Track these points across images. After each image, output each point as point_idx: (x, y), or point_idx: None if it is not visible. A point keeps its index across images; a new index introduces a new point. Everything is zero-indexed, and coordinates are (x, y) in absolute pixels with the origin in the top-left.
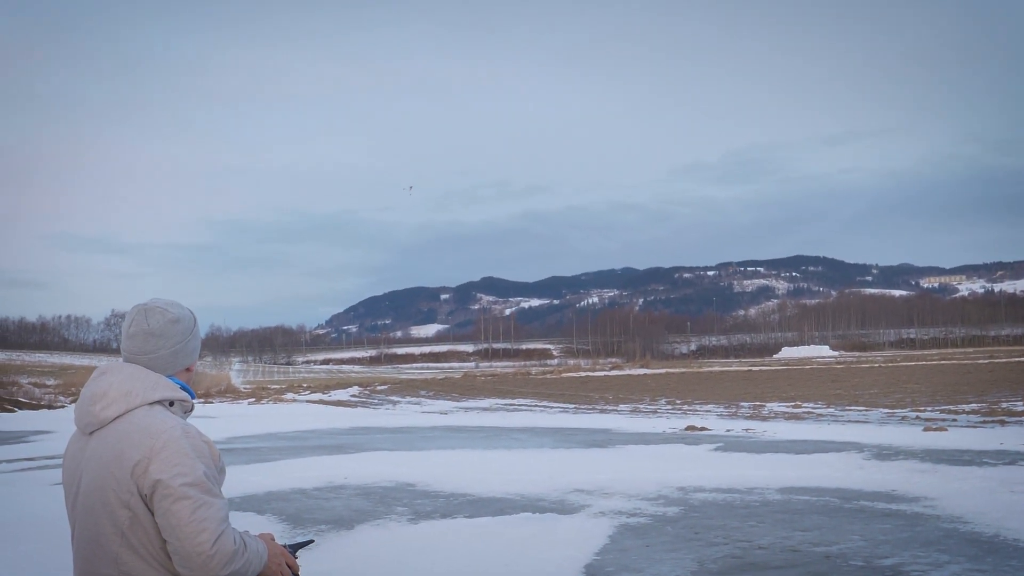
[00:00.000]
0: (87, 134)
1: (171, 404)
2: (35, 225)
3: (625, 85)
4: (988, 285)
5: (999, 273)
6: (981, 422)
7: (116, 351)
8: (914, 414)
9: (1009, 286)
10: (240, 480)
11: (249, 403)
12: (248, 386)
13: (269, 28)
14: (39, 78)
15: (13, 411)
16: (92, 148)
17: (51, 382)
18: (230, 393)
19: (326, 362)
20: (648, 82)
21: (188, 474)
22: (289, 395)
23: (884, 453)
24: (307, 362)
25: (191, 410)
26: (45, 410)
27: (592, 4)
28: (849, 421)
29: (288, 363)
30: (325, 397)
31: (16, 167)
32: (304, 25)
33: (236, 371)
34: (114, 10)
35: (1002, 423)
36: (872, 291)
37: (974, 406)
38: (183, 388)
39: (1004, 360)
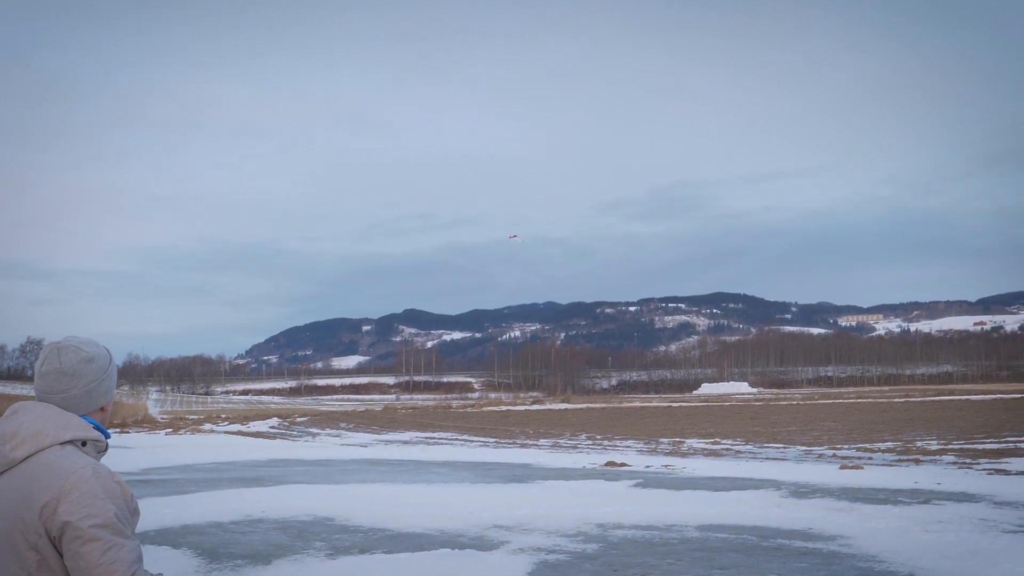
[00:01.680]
0: (6, 159)
1: (84, 444)
2: None
3: (551, 121)
4: (904, 325)
5: (915, 313)
6: (896, 460)
7: (31, 379)
8: (831, 452)
9: (925, 326)
10: (155, 513)
11: (166, 434)
12: (165, 416)
13: (195, 57)
14: None
15: None
16: (11, 173)
17: None
18: (147, 423)
19: (245, 392)
20: (574, 119)
21: (98, 515)
22: (207, 426)
23: (801, 491)
24: (226, 392)
25: (105, 450)
26: None
27: (520, 41)
28: (767, 458)
29: (207, 393)
30: (244, 428)
31: None
32: (230, 55)
33: (154, 401)
34: (36, 35)
35: (916, 462)
36: (791, 329)
37: (889, 444)
38: (97, 427)
39: (919, 399)
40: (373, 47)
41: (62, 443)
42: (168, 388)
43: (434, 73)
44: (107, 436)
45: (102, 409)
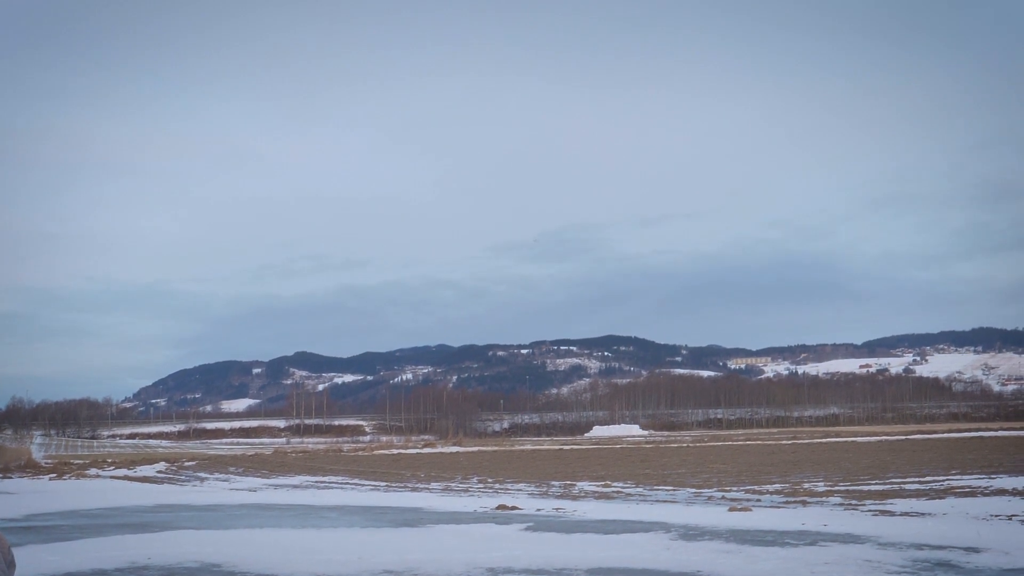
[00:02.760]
0: None
1: None
2: None
3: (443, 163)
4: (792, 367)
5: (802, 355)
6: (784, 502)
7: None
8: (720, 494)
9: (812, 368)
10: (37, 560)
11: (50, 479)
12: (50, 461)
13: (81, 93)
14: None
15: None
16: None
17: None
18: (30, 468)
19: (133, 436)
20: (466, 160)
21: None
22: (93, 471)
23: (691, 533)
24: (112, 436)
25: None
26: None
27: (410, 81)
28: (657, 501)
29: (93, 437)
30: (130, 473)
31: None
32: (119, 92)
33: (38, 445)
34: None
35: (804, 503)
36: (681, 371)
37: (777, 486)
38: None
39: (806, 441)
40: (259, 86)
41: None
42: (53, 432)
43: (323, 113)
44: None
45: None
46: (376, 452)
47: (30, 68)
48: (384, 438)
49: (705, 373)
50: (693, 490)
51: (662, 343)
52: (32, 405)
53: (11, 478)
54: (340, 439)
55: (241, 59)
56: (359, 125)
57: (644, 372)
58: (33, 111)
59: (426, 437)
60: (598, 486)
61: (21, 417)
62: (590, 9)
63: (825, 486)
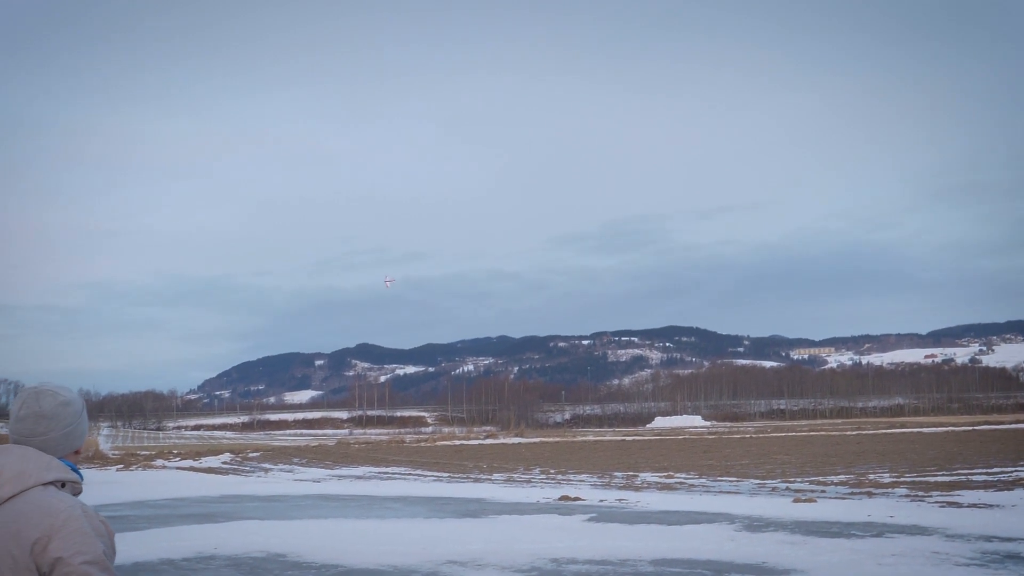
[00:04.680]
0: None
1: (63, 485)
2: None
3: (503, 155)
4: (856, 357)
5: (866, 346)
6: (849, 494)
7: None
8: (784, 485)
9: (876, 358)
10: None
11: (117, 470)
12: (117, 452)
13: (144, 93)
14: None
15: None
16: None
17: None
18: (98, 459)
19: (197, 428)
20: (526, 152)
21: (88, 552)
22: (159, 462)
23: (755, 524)
24: (178, 428)
25: (79, 492)
26: None
27: (471, 74)
28: (720, 492)
29: (158, 429)
30: (196, 464)
31: None
32: (180, 91)
33: (105, 436)
34: None
35: (869, 495)
36: (743, 362)
37: (842, 477)
38: (73, 470)
39: (871, 432)
40: (320, 85)
41: (44, 484)
42: (119, 424)
43: (382, 110)
44: (82, 479)
45: (76, 452)
46: (438, 443)
47: (93, 67)
48: (446, 429)
49: (767, 364)
50: (757, 481)
51: (724, 334)
52: (99, 397)
53: (79, 469)
54: (402, 430)
55: (302, 59)
56: (418, 121)
57: (706, 363)
58: (97, 109)
59: (487, 428)
60: (661, 477)
61: (89, 409)
62: (644, 2)
63: (891, 477)
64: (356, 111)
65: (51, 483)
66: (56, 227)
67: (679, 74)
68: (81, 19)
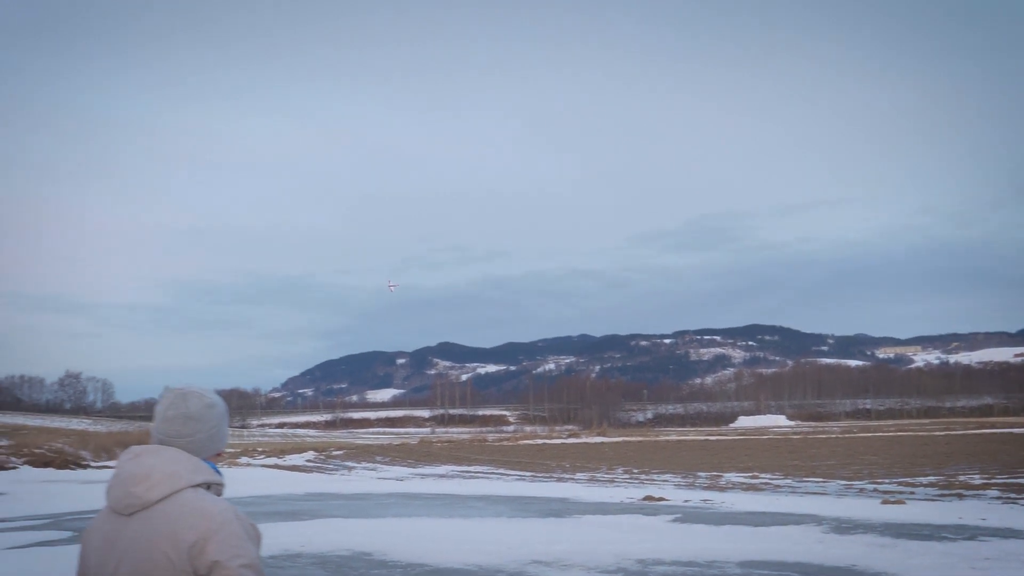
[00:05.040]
0: (45, 195)
1: (208, 487)
2: None
3: (582, 152)
4: (943, 356)
5: (954, 344)
6: (939, 495)
7: (69, 412)
8: (872, 486)
9: (964, 357)
10: None
11: None
12: None
13: (230, 91)
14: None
15: None
16: (50, 209)
17: (3, 442)
18: None
19: (281, 426)
20: (605, 149)
21: (244, 556)
22: (244, 459)
23: (843, 526)
24: (262, 425)
25: (221, 495)
26: None
27: (547, 72)
28: (807, 493)
29: (243, 426)
30: (280, 462)
31: None
32: (263, 89)
33: None
34: (71, 70)
35: (960, 496)
36: (828, 361)
37: (931, 479)
38: (216, 472)
39: (960, 432)
40: (403, 81)
41: (194, 486)
42: None
43: (460, 106)
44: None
45: (218, 455)
46: (520, 442)
47: (182, 66)
48: (528, 428)
49: (852, 363)
50: (844, 482)
51: (808, 332)
52: None
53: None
54: (484, 429)
55: (384, 59)
56: (499, 120)
57: (789, 362)
58: (186, 108)
59: (569, 427)
60: (746, 477)
61: None
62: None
63: (981, 479)
64: (437, 109)
65: (199, 485)
66: (143, 226)
67: (761, 70)
68: (170, 18)
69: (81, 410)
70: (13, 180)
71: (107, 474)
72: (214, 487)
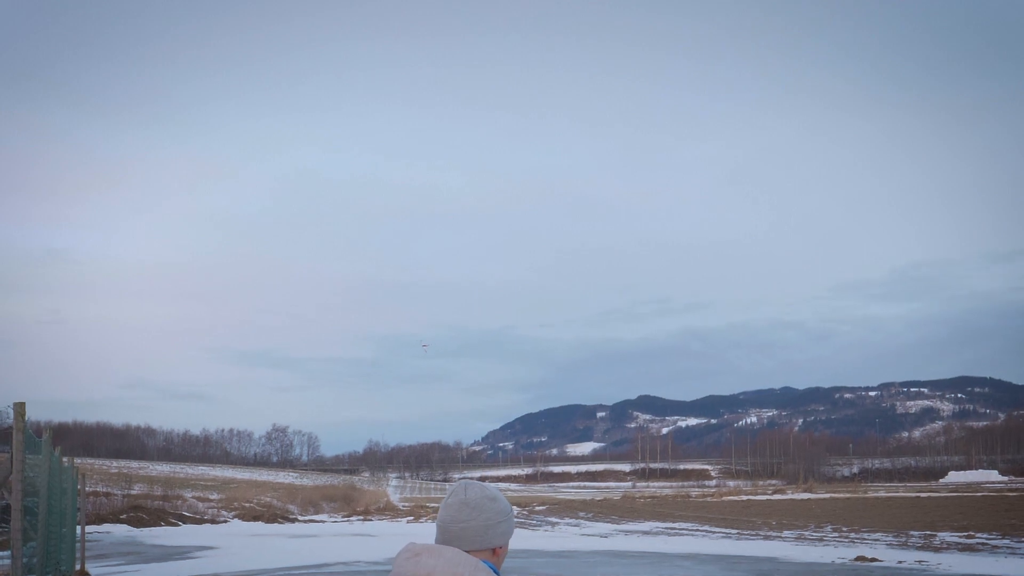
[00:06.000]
0: (254, 251)
1: None
2: (198, 339)
3: (781, 200)
4: None
5: None
6: None
7: (277, 465)
8: None
9: None
10: None
11: (407, 521)
12: (406, 504)
13: (418, 145)
14: (212, 201)
15: (178, 525)
16: (258, 266)
17: (214, 496)
18: (388, 511)
19: (482, 479)
20: (805, 199)
21: None
22: None
23: None
24: (463, 479)
25: None
26: (208, 524)
27: (742, 121)
28: None
29: (445, 480)
30: None
31: (180, 282)
32: (464, 142)
33: (393, 487)
34: (282, 129)
35: None
36: None
37: None
38: (495, 572)
39: None
40: (601, 133)
41: None
42: (407, 475)
43: (667, 157)
44: None
45: (495, 552)
46: (724, 498)
47: (373, 121)
48: (731, 483)
49: None
50: None
51: (1021, 384)
52: (387, 448)
53: (371, 520)
54: (685, 483)
55: (579, 108)
56: (695, 169)
57: (1001, 415)
58: (378, 164)
59: (773, 482)
60: (960, 537)
61: (377, 460)
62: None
63: None
64: (635, 158)
65: None
66: (343, 280)
67: (972, 109)
68: (369, 79)
69: (288, 463)
70: (224, 237)
71: (314, 528)
72: None
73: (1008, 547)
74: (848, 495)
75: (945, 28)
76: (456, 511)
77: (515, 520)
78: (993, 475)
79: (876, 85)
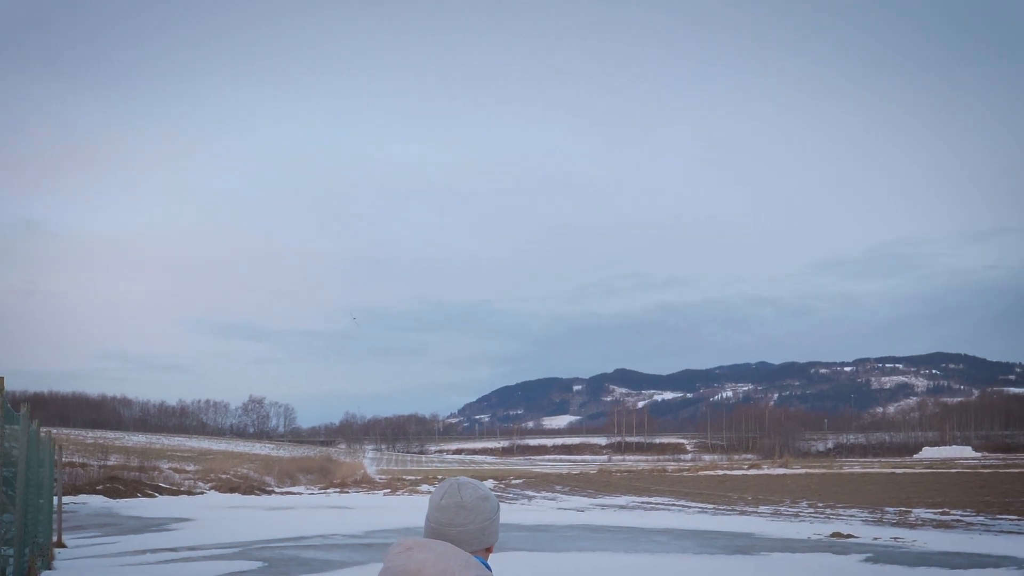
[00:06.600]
0: (232, 225)
1: None
2: (175, 311)
3: (760, 178)
4: None
5: None
6: None
7: (253, 436)
8: None
9: None
10: None
11: (384, 494)
12: (383, 476)
13: (401, 123)
14: (190, 175)
15: (154, 496)
16: (237, 239)
17: (191, 467)
18: (365, 483)
19: (458, 452)
20: (784, 175)
21: None
22: (424, 487)
23: None
24: (439, 451)
25: None
26: (185, 496)
27: (720, 102)
28: (1002, 531)
29: (421, 452)
30: None
31: (158, 255)
32: (437, 120)
33: (370, 460)
34: (262, 105)
35: None
36: (1017, 390)
37: None
38: (486, 568)
39: None
40: (578, 110)
41: None
42: (383, 447)
43: (644, 133)
44: None
45: (487, 550)
46: (700, 472)
47: (359, 99)
48: (706, 457)
49: None
50: None
51: (994, 360)
52: (363, 421)
53: (348, 492)
54: (661, 457)
55: (557, 83)
56: (674, 147)
57: (975, 391)
58: (357, 140)
59: (748, 457)
60: (936, 513)
61: (353, 432)
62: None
63: None
64: (613, 135)
65: None
66: (322, 254)
67: (944, 91)
68: (349, 56)
69: (264, 435)
70: (201, 210)
71: (291, 500)
72: None
73: (983, 524)
74: (823, 470)
75: (920, 10)
76: (453, 514)
77: (493, 492)
78: (967, 451)
79: (853, 66)
